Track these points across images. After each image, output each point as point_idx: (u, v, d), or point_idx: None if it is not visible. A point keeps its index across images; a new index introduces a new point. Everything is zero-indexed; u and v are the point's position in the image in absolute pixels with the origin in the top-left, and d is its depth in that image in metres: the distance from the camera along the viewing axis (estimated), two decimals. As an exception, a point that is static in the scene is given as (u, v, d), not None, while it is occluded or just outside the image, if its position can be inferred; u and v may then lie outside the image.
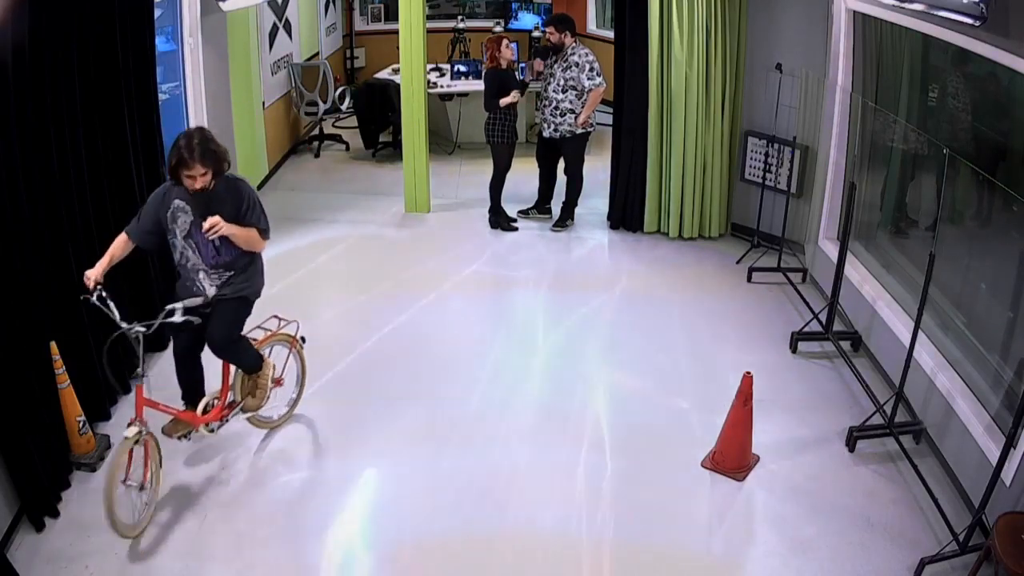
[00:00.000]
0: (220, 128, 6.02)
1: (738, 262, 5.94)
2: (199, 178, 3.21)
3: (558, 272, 5.89)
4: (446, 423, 4.12)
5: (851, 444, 3.94)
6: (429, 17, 6.98)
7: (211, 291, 3.45)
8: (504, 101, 6.14)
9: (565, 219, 6.54)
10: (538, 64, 6.22)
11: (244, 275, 3.52)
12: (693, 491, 3.67)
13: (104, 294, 3.21)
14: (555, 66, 6.10)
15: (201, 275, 3.43)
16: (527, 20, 10.23)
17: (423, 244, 6.28)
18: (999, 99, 4.09)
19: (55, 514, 3.36)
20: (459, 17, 9.80)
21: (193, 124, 5.61)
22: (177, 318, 3.24)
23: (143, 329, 3.17)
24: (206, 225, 3.23)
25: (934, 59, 4.56)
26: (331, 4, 9.58)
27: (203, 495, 3.56)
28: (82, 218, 3.76)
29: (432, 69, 8.26)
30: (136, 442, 3.18)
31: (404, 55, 6.31)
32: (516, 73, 6.73)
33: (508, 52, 6.18)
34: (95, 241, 3.88)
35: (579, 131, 6.15)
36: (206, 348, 3.55)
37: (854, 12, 4.93)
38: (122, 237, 3.38)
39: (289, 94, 8.09)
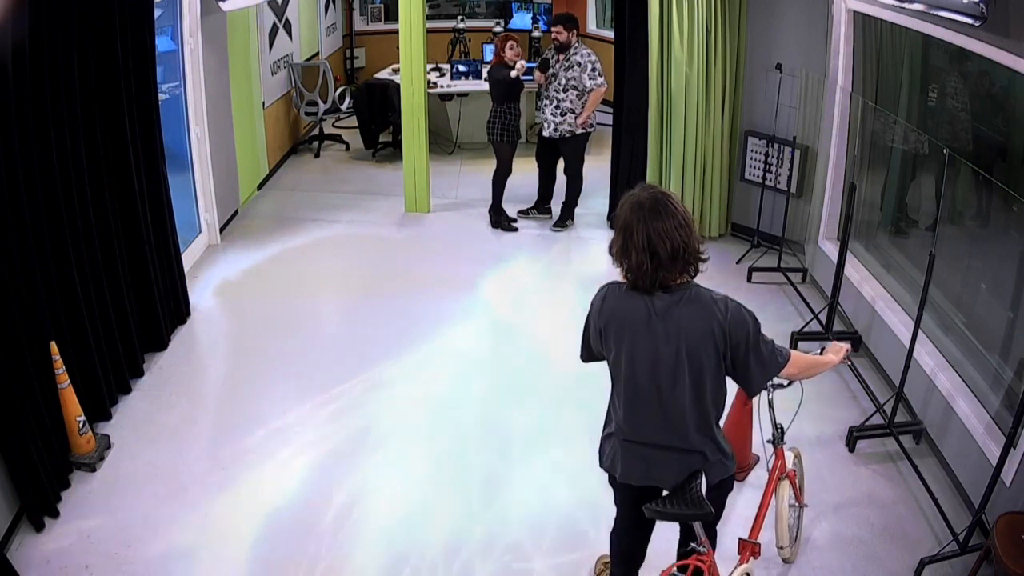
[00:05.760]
0: (220, 128, 6.04)
1: (738, 262, 5.94)
2: None
3: (558, 272, 5.89)
4: (448, 423, 4.13)
5: (851, 444, 3.94)
6: (429, 17, 6.98)
7: None
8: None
9: (565, 219, 6.54)
10: (539, 77, 6.20)
11: None
12: (693, 491, 3.66)
13: None
14: (557, 65, 6.10)
15: None
16: (523, 20, 10.23)
17: (423, 244, 6.28)
18: (999, 99, 4.09)
19: (55, 514, 3.36)
20: (459, 17, 9.81)
21: (193, 124, 5.60)
22: None
23: None
24: None
25: (934, 59, 4.57)
26: (331, 4, 9.57)
27: (203, 493, 3.57)
28: (82, 218, 3.76)
29: (432, 69, 8.26)
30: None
31: (404, 55, 6.31)
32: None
33: (511, 53, 6.19)
34: (95, 241, 3.88)
35: (579, 131, 6.15)
36: None
37: (854, 12, 4.93)
38: None
39: (289, 94, 8.08)
